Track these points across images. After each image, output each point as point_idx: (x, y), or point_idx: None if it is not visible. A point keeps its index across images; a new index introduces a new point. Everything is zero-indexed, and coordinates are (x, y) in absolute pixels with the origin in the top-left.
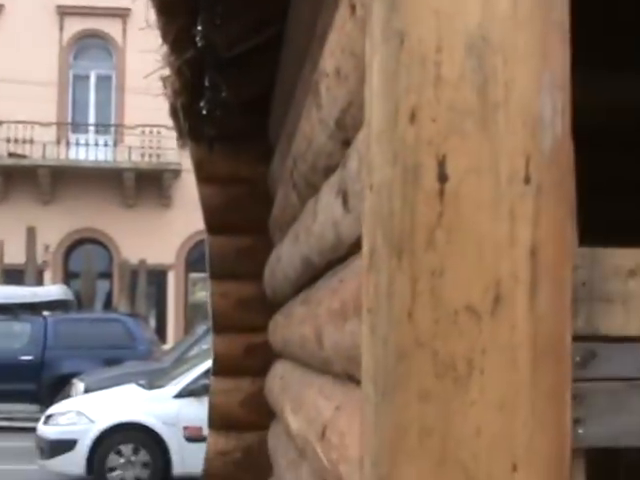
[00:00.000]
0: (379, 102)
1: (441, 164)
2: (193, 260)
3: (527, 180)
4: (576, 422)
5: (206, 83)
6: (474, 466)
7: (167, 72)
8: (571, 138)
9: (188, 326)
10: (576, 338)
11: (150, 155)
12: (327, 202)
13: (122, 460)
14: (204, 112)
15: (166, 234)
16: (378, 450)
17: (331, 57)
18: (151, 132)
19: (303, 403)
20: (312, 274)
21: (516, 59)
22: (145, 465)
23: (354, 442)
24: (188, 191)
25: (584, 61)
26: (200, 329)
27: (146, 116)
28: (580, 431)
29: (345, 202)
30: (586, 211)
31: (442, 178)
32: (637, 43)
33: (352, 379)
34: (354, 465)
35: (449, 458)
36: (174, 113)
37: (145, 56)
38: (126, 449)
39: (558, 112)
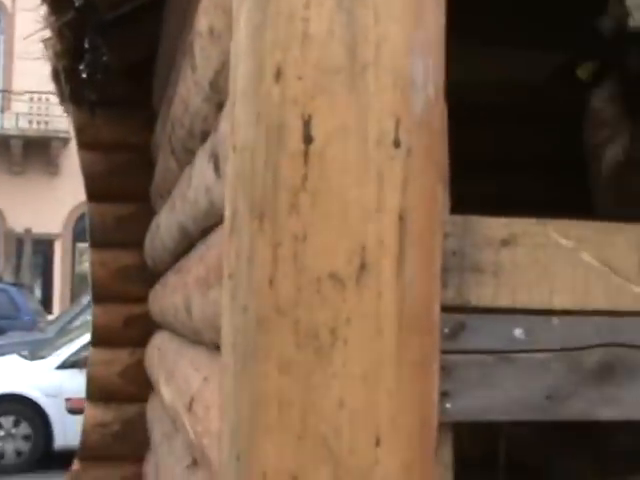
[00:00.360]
0: (244, 58)
1: (306, 124)
2: (80, 230)
3: (396, 143)
4: (443, 395)
5: (86, 45)
6: (336, 440)
7: (49, 34)
8: (444, 102)
9: (74, 297)
10: (445, 309)
11: (38, 122)
12: (200, 167)
13: (2, 433)
14: (84, 76)
15: (53, 203)
16: (236, 423)
17: (205, 15)
18: (40, 99)
19: (175, 374)
20: (188, 242)
21: (388, 16)
22: (26, 438)
23: (218, 415)
24: (77, 160)
25: (494, 39)
26: (85, 299)
27: (35, 82)
28: (447, 405)
29: (217, 167)
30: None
31: (307, 139)
32: (535, 22)
33: (219, 349)
34: (216, 439)
35: (310, 432)
36: (56, 76)
37: (35, 21)
38: (6, 421)
39: (430, 74)
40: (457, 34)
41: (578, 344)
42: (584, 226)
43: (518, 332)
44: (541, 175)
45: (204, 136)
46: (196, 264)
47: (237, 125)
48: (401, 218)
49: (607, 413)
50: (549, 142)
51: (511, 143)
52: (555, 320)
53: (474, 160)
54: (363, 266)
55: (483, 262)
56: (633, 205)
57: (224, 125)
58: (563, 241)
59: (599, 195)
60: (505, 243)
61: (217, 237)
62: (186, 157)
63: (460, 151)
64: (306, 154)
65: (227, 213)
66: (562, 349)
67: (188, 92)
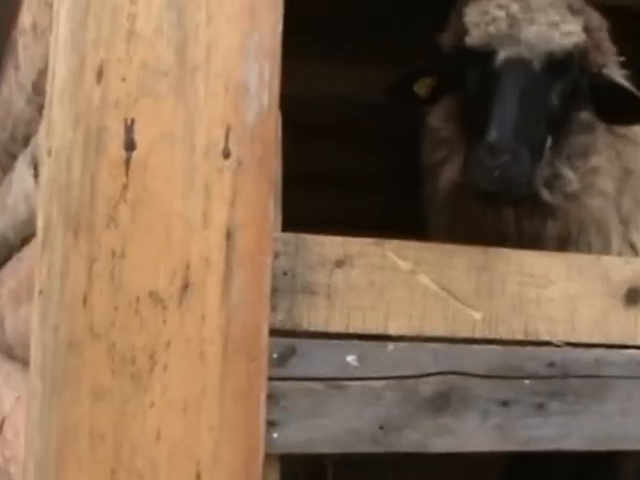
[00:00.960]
0: (64, 56)
1: (129, 129)
2: None
3: (226, 154)
4: (270, 425)
5: None
6: (152, 475)
7: None
8: (279, 112)
9: None
10: (274, 332)
11: None
12: (21, 173)
13: None
14: None
15: None
16: (43, 454)
17: (29, 10)
18: None
19: None
20: (8, 252)
21: (221, 17)
22: None
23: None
24: None
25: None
26: None
27: None
28: (274, 435)
29: (37, 173)
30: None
31: (129, 146)
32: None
33: None
34: (22, 467)
35: (124, 466)
36: None
37: None
38: None
39: (265, 81)
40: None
41: (414, 372)
42: (423, 248)
43: (351, 358)
44: (377, 193)
45: (26, 140)
46: (9, 276)
47: (53, 128)
48: (229, 235)
49: (441, 445)
50: (388, 159)
51: (348, 159)
52: (390, 346)
53: (308, 175)
54: (186, 285)
55: (316, 283)
56: (468, 226)
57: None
58: (401, 263)
59: (435, 216)
60: (340, 264)
61: (31, 249)
62: (9, 162)
63: (293, 166)
64: (127, 162)
65: (40, 223)
66: (397, 377)
67: (11, 93)
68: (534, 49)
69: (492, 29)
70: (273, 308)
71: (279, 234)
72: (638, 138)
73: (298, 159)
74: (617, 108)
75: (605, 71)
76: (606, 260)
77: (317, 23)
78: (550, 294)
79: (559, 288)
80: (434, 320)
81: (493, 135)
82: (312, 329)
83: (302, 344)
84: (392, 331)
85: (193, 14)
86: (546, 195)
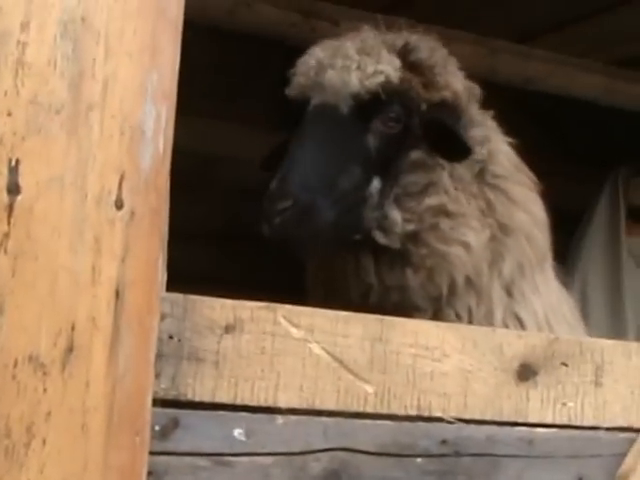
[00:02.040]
0: None
1: (13, 171)
2: None
3: (119, 204)
4: None
5: None
6: None
7: None
8: (170, 160)
9: None
10: (157, 402)
11: None
12: None
13: None
14: None
15: None
16: None
17: None
18: None
19: None
20: None
21: (121, 51)
22: None
23: None
24: None
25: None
26: None
27: None
28: None
29: None
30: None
31: (13, 189)
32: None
33: None
34: None
35: None
36: None
37: None
38: None
39: (162, 126)
40: None
41: (303, 448)
42: (316, 314)
43: (238, 432)
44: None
45: None
46: None
47: None
48: (118, 293)
49: None
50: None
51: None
52: (280, 420)
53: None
54: (70, 349)
55: (203, 350)
56: (332, 277)
57: None
58: (293, 330)
59: (308, 268)
60: (229, 329)
61: None
62: None
63: None
64: (10, 207)
65: None
66: (286, 453)
67: None
68: (338, 93)
69: (303, 78)
70: (157, 375)
71: (166, 294)
72: (511, 192)
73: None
74: (446, 145)
75: (430, 108)
76: (500, 333)
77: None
78: (444, 368)
79: (453, 361)
80: (326, 393)
81: (274, 183)
82: (197, 399)
83: (186, 416)
84: (282, 403)
85: (90, 46)
86: (380, 238)
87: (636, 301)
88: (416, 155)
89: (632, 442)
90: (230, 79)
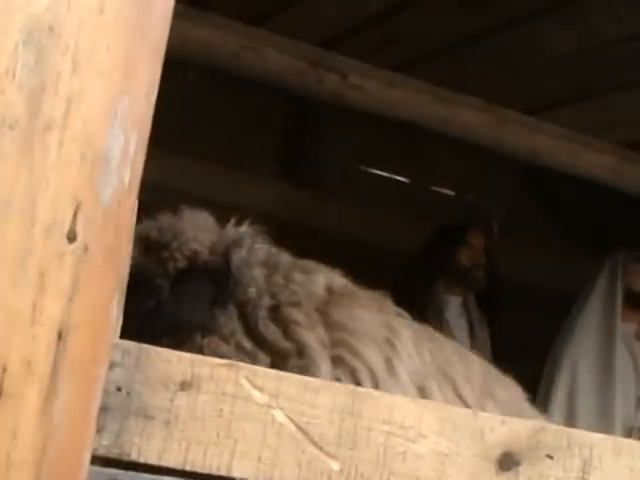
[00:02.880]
0: None
1: None
2: None
3: (71, 236)
4: None
5: None
6: None
7: None
8: (137, 194)
9: None
10: (96, 460)
11: None
12: None
13: None
14: None
15: None
16: None
17: None
18: None
19: None
20: None
21: (89, 67)
22: None
23: None
24: None
25: None
26: None
27: None
28: None
29: None
30: None
31: None
32: None
33: None
34: None
35: None
36: None
37: None
38: None
39: (129, 155)
40: None
41: None
42: (283, 378)
43: None
44: None
45: None
46: None
47: None
48: (60, 336)
49: None
50: None
51: None
52: None
53: None
54: None
55: (154, 406)
56: None
57: None
58: (256, 393)
59: None
60: (185, 386)
61: None
62: None
63: None
64: None
65: None
66: None
67: None
68: None
69: None
70: (99, 430)
71: (118, 341)
72: None
73: None
74: None
75: None
76: (482, 417)
77: None
78: (419, 449)
79: (429, 443)
80: (286, 465)
81: None
82: (142, 460)
83: (127, 477)
84: (237, 473)
85: (56, 59)
86: None
87: (626, 387)
88: None
89: None
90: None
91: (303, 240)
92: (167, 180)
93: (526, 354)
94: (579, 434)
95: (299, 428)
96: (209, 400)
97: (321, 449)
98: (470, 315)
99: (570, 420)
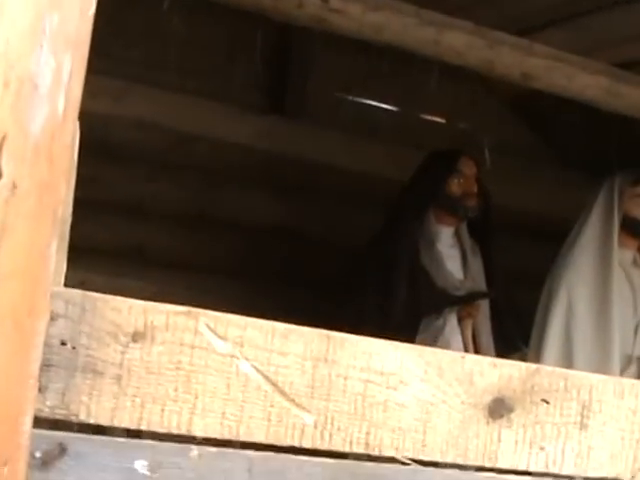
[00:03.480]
0: None
1: None
2: None
3: None
4: None
5: None
6: None
7: None
8: (77, 124)
9: None
10: (40, 423)
11: None
12: None
13: None
14: None
15: None
16: None
17: None
18: None
19: None
20: None
21: None
22: None
23: None
24: None
25: None
26: None
27: None
28: None
29: None
30: None
31: None
32: None
33: None
34: None
35: None
36: None
37: None
38: None
39: (63, 81)
40: None
41: None
42: (249, 325)
43: (141, 465)
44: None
45: None
46: None
47: None
48: None
49: None
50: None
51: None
52: (194, 451)
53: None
54: None
55: (104, 361)
56: None
57: None
58: (218, 342)
59: None
60: (138, 337)
61: None
62: None
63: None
64: None
65: None
66: None
67: None
68: None
69: None
70: (41, 389)
71: (60, 290)
72: None
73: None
74: None
75: None
76: (471, 360)
77: None
78: (401, 398)
79: (412, 391)
80: (253, 421)
81: None
82: (93, 421)
83: (76, 442)
84: (198, 431)
85: None
86: None
87: (624, 314)
88: None
89: None
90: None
91: (290, 170)
92: (153, 117)
93: (520, 283)
94: (577, 376)
95: (267, 379)
96: (165, 352)
97: (292, 401)
98: (463, 245)
99: (567, 348)
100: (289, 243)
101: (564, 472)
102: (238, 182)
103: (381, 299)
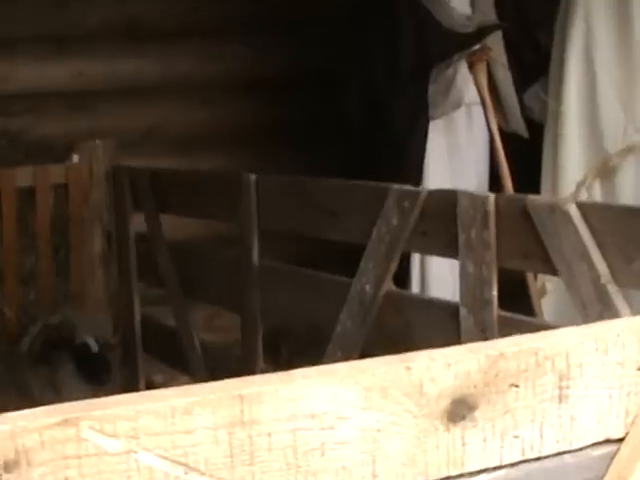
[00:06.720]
0: None
1: None
2: None
3: None
4: None
5: None
6: None
7: None
8: None
9: None
10: None
11: None
12: None
13: None
14: None
15: None
16: None
17: None
18: None
19: None
20: None
21: None
22: None
23: None
24: None
25: None
26: None
27: None
28: None
29: None
30: None
31: None
32: None
33: None
34: None
35: None
36: None
37: None
38: None
39: None
40: None
41: None
42: (139, 413)
43: None
44: None
45: None
46: None
47: None
48: None
49: None
50: None
51: None
52: None
53: None
54: None
55: None
56: None
57: None
58: (108, 443)
59: None
60: (10, 467)
61: None
62: None
63: None
64: None
65: None
66: None
67: None
68: None
69: None
70: None
71: None
72: None
73: None
74: None
75: None
76: (418, 368)
77: None
78: (340, 435)
79: (353, 423)
80: None
81: None
82: None
83: None
84: None
85: None
86: None
87: None
88: None
89: (610, 458)
90: None
91: None
92: None
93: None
94: (550, 344)
95: (176, 463)
96: (48, 472)
97: (212, 477)
98: None
99: (589, 71)
100: None
101: (544, 453)
102: None
103: (390, 56)
